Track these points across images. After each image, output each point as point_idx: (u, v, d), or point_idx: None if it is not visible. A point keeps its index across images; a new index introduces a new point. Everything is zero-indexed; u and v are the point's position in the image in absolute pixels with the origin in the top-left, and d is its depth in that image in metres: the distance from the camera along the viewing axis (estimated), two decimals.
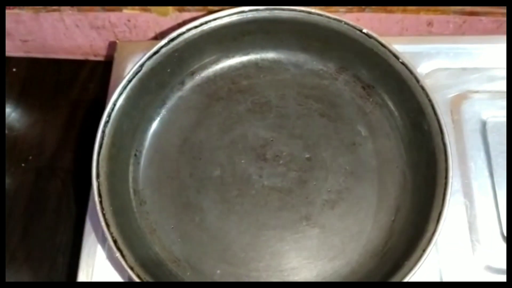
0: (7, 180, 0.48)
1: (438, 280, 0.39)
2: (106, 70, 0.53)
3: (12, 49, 0.54)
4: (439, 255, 0.40)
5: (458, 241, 0.40)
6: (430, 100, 0.38)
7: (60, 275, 0.43)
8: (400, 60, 0.39)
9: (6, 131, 0.51)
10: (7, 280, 0.42)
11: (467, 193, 0.42)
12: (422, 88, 0.39)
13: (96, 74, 0.54)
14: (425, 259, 0.34)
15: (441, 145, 0.37)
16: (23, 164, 0.48)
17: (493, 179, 0.42)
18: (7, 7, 0.49)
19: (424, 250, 0.34)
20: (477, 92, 0.46)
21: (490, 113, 0.45)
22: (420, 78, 0.39)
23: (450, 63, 0.47)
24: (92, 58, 0.55)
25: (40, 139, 0.50)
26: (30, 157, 0.49)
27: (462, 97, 0.46)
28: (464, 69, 0.47)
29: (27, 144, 0.50)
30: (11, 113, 0.52)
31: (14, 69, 0.54)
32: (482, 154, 0.43)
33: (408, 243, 0.36)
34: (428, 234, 0.34)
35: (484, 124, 0.45)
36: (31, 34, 0.52)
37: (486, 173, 0.43)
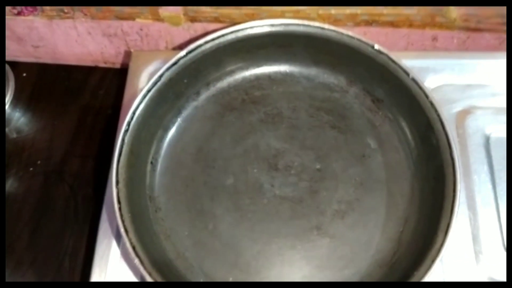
0: (15, 184, 0.48)
1: None
2: (115, 77, 0.54)
3: (22, 55, 0.55)
4: (443, 265, 0.40)
5: (462, 252, 0.41)
6: (439, 115, 0.39)
7: (66, 279, 0.43)
8: (411, 77, 0.41)
9: (15, 135, 0.51)
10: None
11: (471, 206, 0.43)
12: (431, 103, 0.40)
13: (106, 81, 0.54)
14: (434, 269, 0.35)
15: (449, 159, 0.38)
16: (31, 168, 0.49)
17: (496, 192, 0.43)
18: (22, 12, 0.49)
19: (433, 261, 0.35)
20: (481, 107, 0.47)
21: (493, 128, 0.46)
22: (429, 93, 0.40)
23: (455, 79, 0.48)
24: (102, 65, 0.56)
25: (48, 144, 0.50)
26: (39, 162, 0.49)
27: (466, 112, 0.47)
28: (468, 85, 0.48)
29: (35, 149, 0.50)
30: (21, 118, 0.52)
31: (24, 74, 0.54)
32: (485, 168, 0.44)
33: (417, 254, 0.37)
34: (437, 245, 0.35)
35: (487, 139, 0.46)
36: (42, 40, 0.53)
37: (489, 186, 0.44)
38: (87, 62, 0.56)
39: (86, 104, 0.53)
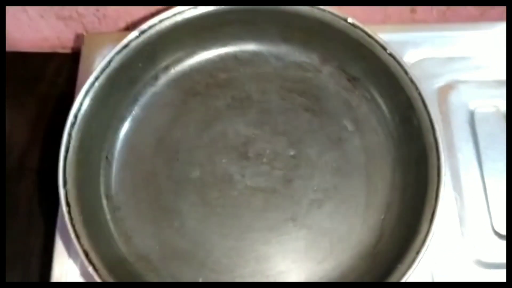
0: None
1: (428, 275, 0.38)
2: (75, 64, 0.50)
3: None
4: (428, 249, 0.38)
5: (448, 235, 0.39)
6: (420, 94, 0.37)
7: (33, 277, 0.41)
8: (388, 51, 0.38)
9: None
10: None
11: (456, 186, 0.41)
12: (411, 80, 0.37)
13: (65, 68, 0.51)
14: (419, 262, 0.33)
15: (432, 141, 0.35)
16: None
17: (482, 171, 0.42)
18: None
19: (417, 252, 0.33)
20: (464, 81, 0.45)
21: (478, 103, 0.44)
22: (408, 70, 0.37)
23: (436, 52, 0.46)
24: (60, 50, 0.52)
25: (7, 138, 0.47)
26: None
27: (449, 87, 0.45)
28: (450, 58, 0.46)
29: None
30: None
31: None
32: (470, 145, 0.43)
33: (401, 244, 0.35)
34: (422, 235, 0.33)
35: (472, 115, 0.44)
36: None
37: (475, 163, 0.42)
38: (44, 48, 0.52)
39: (44, 93, 0.49)
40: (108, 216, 0.37)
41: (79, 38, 0.50)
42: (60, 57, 0.51)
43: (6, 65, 0.51)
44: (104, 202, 0.38)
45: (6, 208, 0.44)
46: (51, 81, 0.50)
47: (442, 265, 0.38)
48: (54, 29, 0.49)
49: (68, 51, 0.52)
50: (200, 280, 0.37)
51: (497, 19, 0.48)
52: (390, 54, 0.38)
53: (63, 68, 0.51)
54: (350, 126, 0.41)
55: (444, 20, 0.48)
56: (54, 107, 0.48)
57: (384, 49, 0.38)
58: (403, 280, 0.32)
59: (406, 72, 0.37)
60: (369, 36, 0.38)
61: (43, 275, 0.40)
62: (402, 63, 0.37)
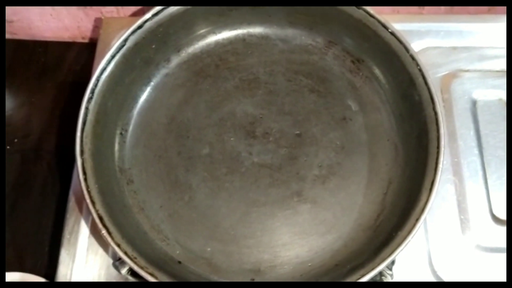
0: None
1: (426, 260, 0.39)
2: (93, 52, 0.52)
3: None
4: (427, 234, 0.39)
5: (447, 220, 0.40)
6: (420, 70, 0.37)
7: (47, 259, 0.43)
8: (390, 30, 0.39)
9: None
10: None
11: (457, 172, 0.41)
12: (412, 57, 0.38)
13: (83, 57, 0.53)
14: (418, 229, 0.33)
15: (432, 114, 0.36)
16: (8, 147, 0.48)
17: (483, 158, 0.42)
18: None
19: (417, 219, 0.33)
20: (467, 71, 0.45)
21: (481, 92, 0.45)
22: (410, 47, 0.38)
23: (440, 42, 0.46)
24: (80, 40, 0.54)
25: (25, 122, 0.49)
26: (16, 140, 0.48)
27: (452, 76, 0.45)
28: (454, 48, 0.46)
29: (12, 127, 0.49)
30: None
31: None
32: (472, 133, 0.43)
33: (401, 214, 0.35)
34: (421, 203, 0.34)
35: (474, 103, 0.44)
36: (16, 15, 0.51)
37: (475, 151, 0.42)
38: (65, 37, 0.54)
39: (63, 80, 0.51)
40: (122, 188, 0.39)
41: (97, 28, 0.52)
42: (79, 47, 0.53)
43: (28, 52, 0.54)
44: (118, 175, 0.39)
45: (21, 188, 0.46)
46: (70, 69, 0.52)
47: (441, 251, 0.39)
48: (75, 18, 0.51)
49: (86, 41, 0.54)
50: (209, 250, 0.38)
51: (503, 13, 0.49)
52: (392, 33, 0.39)
53: (81, 57, 0.53)
54: (354, 106, 0.42)
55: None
56: (71, 93, 0.50)
57: (386, 28, 0.39)
58: (403, 246, 0.33)
59: (407, 50, 0.38)
60: (371, 15, 0.39)
61: (53, 256, 0.42)
62: (404, 41, 0.38)
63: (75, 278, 0.38)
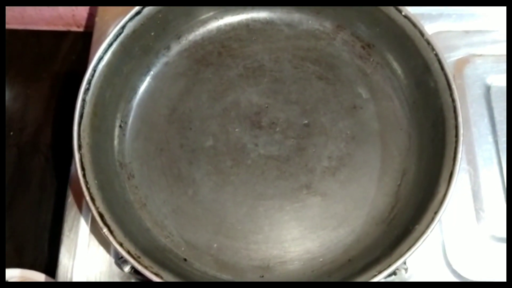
0: None
1: (440, 251, 0.38)
2: (89, 42, 0.51)
3: None
4: (441, 225, 0.38)
5: (462, 210, 0.39)
6: (436, 55, 0.36)
7: (46, 253, 0.42)
8: (403, 13, 0.37)
9: None
10: None
11: (471, 160, 0.40)
12: (428, 42, 0.36)
13: (79, 46, 0.51)
14: (437, 222, 0.32)
15: (449, 101, 0.34)
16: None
17: (498, 146, 0.41)
18: None
19: (436, 213, 0.32)
20: (481, 55, 0.44)
21: (495, 78, 0.43)
22: (424, 31, 0.36)
23: (452, 25, 0.45)
24: (75, 29, 0.53)
25: (21, 114, 0.48)
26: (12, 133, 0.47)
27: (465, 60, 0.44)
28: (467, 31, 0.45)
29: (8, 120, 0.48)
30: None
31: None
32: (486, 120, 0.42)
33: (417, 208, 0.34)
34: (440, 195, 0.32)
35: (488, 89, 0.43)
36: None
37: (490, 139, 0.41)
38: (59, 26, 0.53)
39: (58, 70, 0.50)
40: (123, 183, 0.37)
41: (92, 16, 0.50)
42: (74, 35, 0.52)
43: (21, 42, 0.52)
44: (119, 169, 0.38)
45: (19, 182, 0.45)
46: (65, 59, 0.50)
47: (455, 241, 0.38)
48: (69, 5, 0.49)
49: (81, 29, 0.53)
50: (215, 246, 0.37)
51: None
52: (406, 16, 0.37)
53: (76, 46, 0.51)
54: (364, 94, 0.40)
55: None
56: (67, 84, 0.49)
57: (399, 11, 0.37)
58: (421, 241, 0.31)
59: (422, 34, 0.36)
60: None
61: (53, 251, 0.40)
62: (418, 25, 0.36)
63: (76, 276, 0.37)
